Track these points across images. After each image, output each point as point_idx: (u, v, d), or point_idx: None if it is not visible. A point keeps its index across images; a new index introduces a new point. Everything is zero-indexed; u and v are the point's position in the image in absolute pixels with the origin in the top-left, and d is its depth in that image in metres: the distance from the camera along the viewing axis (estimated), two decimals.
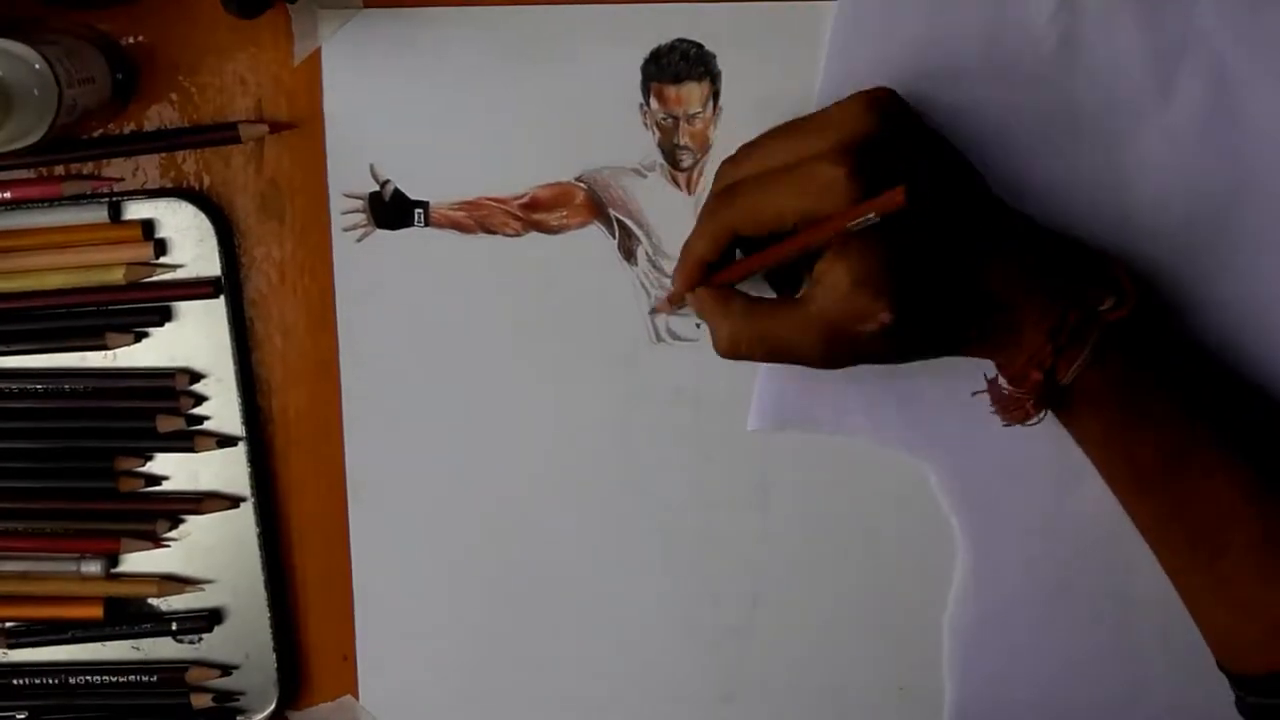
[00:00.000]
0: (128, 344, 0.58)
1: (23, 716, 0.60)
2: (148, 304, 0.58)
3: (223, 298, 0.57)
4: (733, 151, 0.53)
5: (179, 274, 0.57)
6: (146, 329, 0.58)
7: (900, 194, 0.45)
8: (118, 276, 0.57)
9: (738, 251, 0.52)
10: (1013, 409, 0.52)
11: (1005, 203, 0.52)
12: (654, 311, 0.57)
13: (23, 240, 0.57)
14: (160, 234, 0.57)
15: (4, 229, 0.57)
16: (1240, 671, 0.52)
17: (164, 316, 0.58)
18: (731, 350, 0.51)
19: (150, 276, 0.57)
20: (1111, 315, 0.50)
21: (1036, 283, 0.50)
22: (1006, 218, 0.52)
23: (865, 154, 0.47)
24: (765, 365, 0.57)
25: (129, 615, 0.60)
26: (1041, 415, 0.52)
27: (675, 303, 0.56)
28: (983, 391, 0.53)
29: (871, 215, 0.46)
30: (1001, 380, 0.52)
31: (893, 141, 0.48)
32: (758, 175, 0.50)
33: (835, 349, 0.49)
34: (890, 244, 0.47)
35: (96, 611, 0.59)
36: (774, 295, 0.55)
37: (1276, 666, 0.51)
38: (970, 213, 0.50)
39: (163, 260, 0.57)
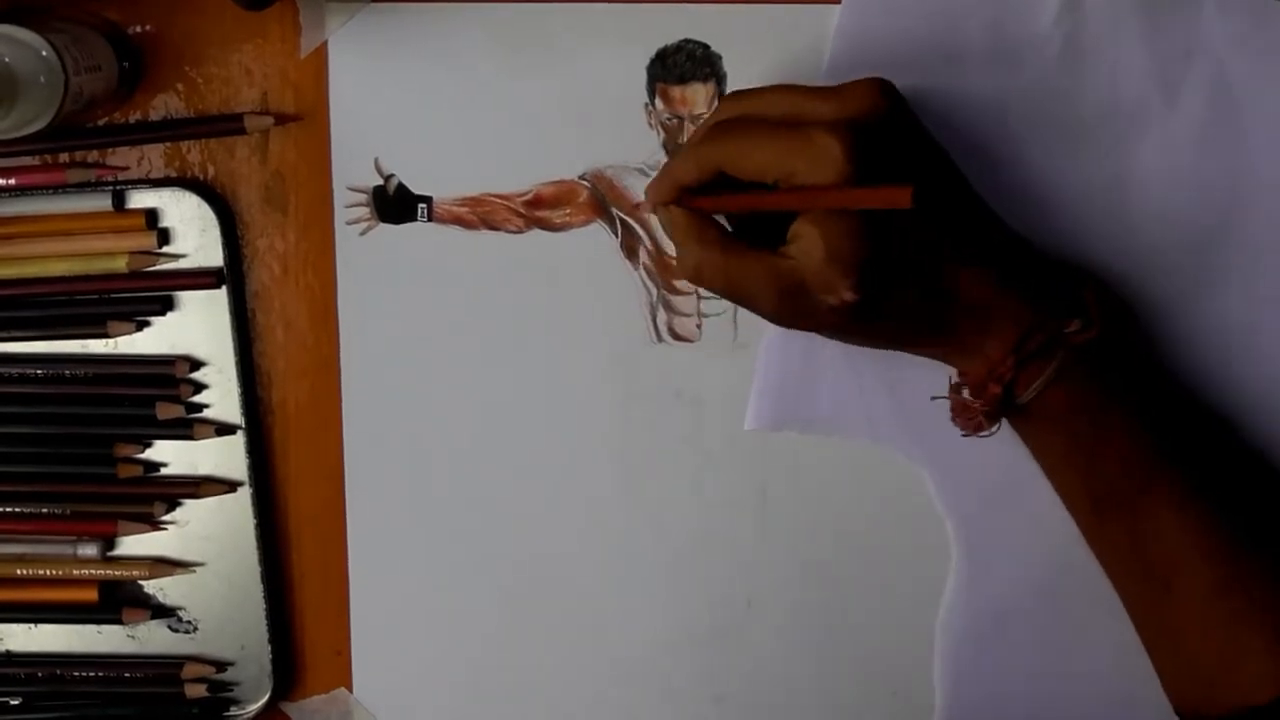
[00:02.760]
0: (129, 333, 0.58)
1: (17, 703, 0.60)
2: (150, 293, 0.58)
3: (225, 288, 0.57)
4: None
5: (182, 264, 0.58)
6: (148, 318, 0.58)
7: (907, 195, 0.44)
8: (120, 265, 0.57)
9: None
10: (968, 418, 0.51)
11: (990, 211, 0.52)
12: (636, 206, 0.57)
13: (26, 227, 0.57)
14: (164, 223, 0.57)
15: (8, 215, 0.57)
16: (1191, 713, 0.52)
17: (166, 306, 0.58)
18: (694, 276, 0.51)
19: (153, 266, 0.57)
20: (1077, 338, 0.49)
21: (1007, 296, 0.49)
22: (987, 227, 0.52)
23: (865, 135, 0.47)
24: (762, 366, 0.57)
25: (125, 602, 0.60)
26: (995, 428, 0.51)
27: (644, 211, 0.56)
28: (943, 396, 0.53)
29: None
30: (964, 389, 0.52)
31: (892, 132, 0.48)
32: (756, 121, 0.49)
33: (791, 309, 0.49)
34: (870, 227, 0.47)
35: (91, 595, 0.59)
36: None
37: (1224, 711, 0.50)
38: (953, 215, 0.50)
39: (166, 250, 0.57)
